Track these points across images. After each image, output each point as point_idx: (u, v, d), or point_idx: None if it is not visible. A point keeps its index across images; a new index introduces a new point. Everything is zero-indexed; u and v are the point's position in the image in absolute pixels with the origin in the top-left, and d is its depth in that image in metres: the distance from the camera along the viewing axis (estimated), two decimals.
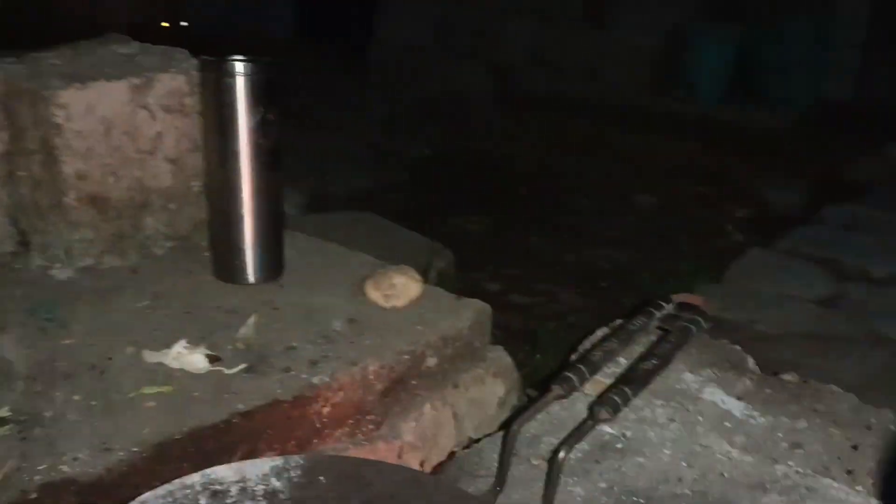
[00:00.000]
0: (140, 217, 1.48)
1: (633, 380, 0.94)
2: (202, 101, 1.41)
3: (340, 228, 2.46)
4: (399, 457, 1.30)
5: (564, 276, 3.10)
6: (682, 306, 1.07)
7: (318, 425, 1.19)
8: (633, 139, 4.65)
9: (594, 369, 0.97)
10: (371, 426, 1.27)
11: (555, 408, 1.13)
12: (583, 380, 0.96)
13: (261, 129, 1.36)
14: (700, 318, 1.05)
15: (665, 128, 4.68)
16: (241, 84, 1.33)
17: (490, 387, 1.45)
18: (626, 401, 0.92)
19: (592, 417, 0.90)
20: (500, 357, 1.49)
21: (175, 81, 1.46)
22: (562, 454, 0.87)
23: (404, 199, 3.79)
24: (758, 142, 4.54)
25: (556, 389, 0.95)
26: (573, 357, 1.07)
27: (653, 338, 1.07)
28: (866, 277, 2.72)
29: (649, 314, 1.06)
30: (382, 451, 1.28)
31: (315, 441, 1.20)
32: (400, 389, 1.31)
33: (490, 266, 3.01)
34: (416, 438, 1.33)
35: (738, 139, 4.56)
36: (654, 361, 0.96)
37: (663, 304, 1.07)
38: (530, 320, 2.65)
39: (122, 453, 1.00)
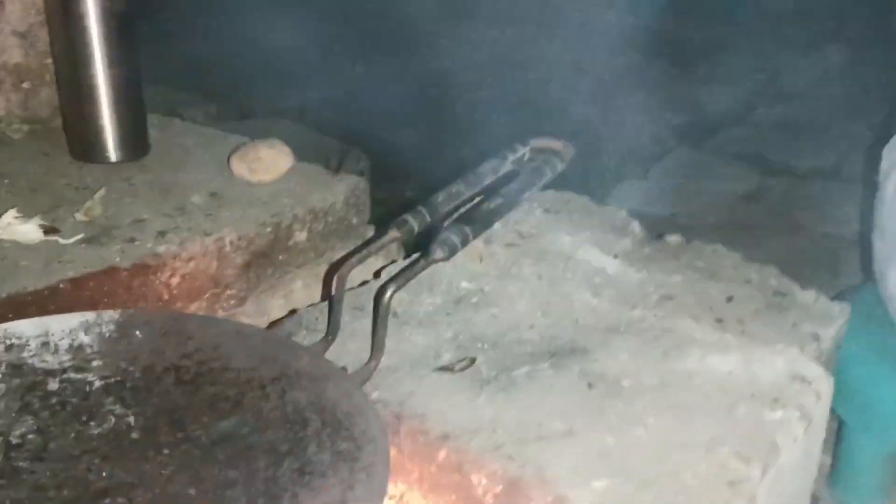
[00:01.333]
0: None
1: (473, 219, 0.87)
2: None
3: (247, 133, 2.35)
4: None
5: None
6: (539, 150, 1.00)
7: (166, 296, 1.11)
8: (574, 51, 4.54)
9: (434, 211, 0.90)
10: (232, 301, 1.20)
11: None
12: (422, 223, 0.89)
13: None
14: (555, 160, 0.98)
15: (606, 39, 4.58)
16: None
17: (371, 266, 1.38)
18: (465, 240, 0.85)
19: (426, 256, 0.83)
20: (394, 255, 1.41)
21: None
22: (388, 293, 0.80)
23: (335, 114, 3.67)
24: (698, 51, 4.46)
25: (392, 232, 0.88)
26: None
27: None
28: (790, 172, 2.68)
29: (502, 157, 0.99)
30: None
31: None
32: (265, 264, 1.23)
33: (413, 174, 2.93)
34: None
35: (680, 49, 4.48)
36: (498, 201, 0.90)
37: (518, 146, 1.00)
38: None
39: None
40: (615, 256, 1.16)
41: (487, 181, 0.97)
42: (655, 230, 1.29)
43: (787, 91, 3.61)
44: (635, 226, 1.29)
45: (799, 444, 0.77)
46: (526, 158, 1.00)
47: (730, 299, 1.09)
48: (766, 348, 0.89)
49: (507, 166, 0.99)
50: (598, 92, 4.10)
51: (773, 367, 0.85)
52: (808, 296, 1.12)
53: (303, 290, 1.29)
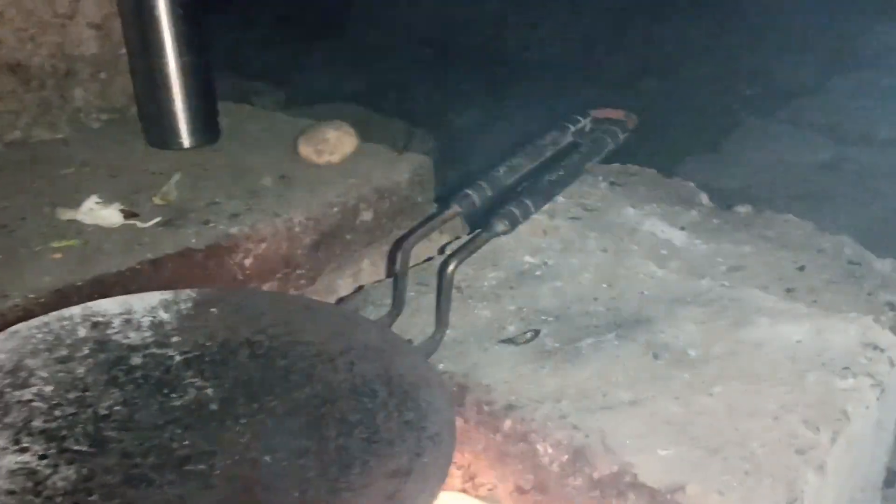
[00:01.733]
0: (67, 87, 1.43)
1: (534, 192, 0.87)
2: None
3: (315, 117, 2.38)
4: None
5: None
6: (600, 121, 0.99)
7: (240, 276, 1.15)
8: (642, 26, 4.46)
9: (495, 185, 0.90)
10: (303, 280, 1.24)
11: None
12: (483, 197, 0.90)
13: None
14: (617, 129, 0.97)
15: (674, 11, 4.48)
16: None
17: (436, 243, 1.40)
18: (526, 213, 0.85)
19: (488, 230, 0.84)
20: (458, 230, 1.43)
21: None
22: (451, 266, 0.81)
23: (399, 98, 3.70)
24: (770, 20, 4.32)
25: (454, 207, 0.89)
26: None
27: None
28: (867, 141, 2.59)
29: (563, 129, 0.98)
30: None
31: None
32: (334, 244, 1.26)
33: (476, 154, 2.93)
34: None
35: (750, 19, 4.35)
36: (559, 173, 0.90)
37: (579, 118, 0.99)
38: None
39: (18, 299, 0.97)
40: (682, 228, 1.15)
41: (548, 153, 0.97)
42: (726, 202, 1.28)
43: (864, 57, 3.48)
44: (703, 197, 1.27)
45: (871, 413, 0.75)
46: (587, 129, 1.00)
47: (801, 269, 1.07)
48: (837, 317, 0.87)
49: (567, 138, 0.99)
50: (667, 64, 4.02)
51: (844, 335, 0.83)
52: (885, 265, 1.09)
53: (370, 268, 1.31)
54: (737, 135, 2.72)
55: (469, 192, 0.90)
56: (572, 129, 0.98)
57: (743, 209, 1.24)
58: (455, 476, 0.81)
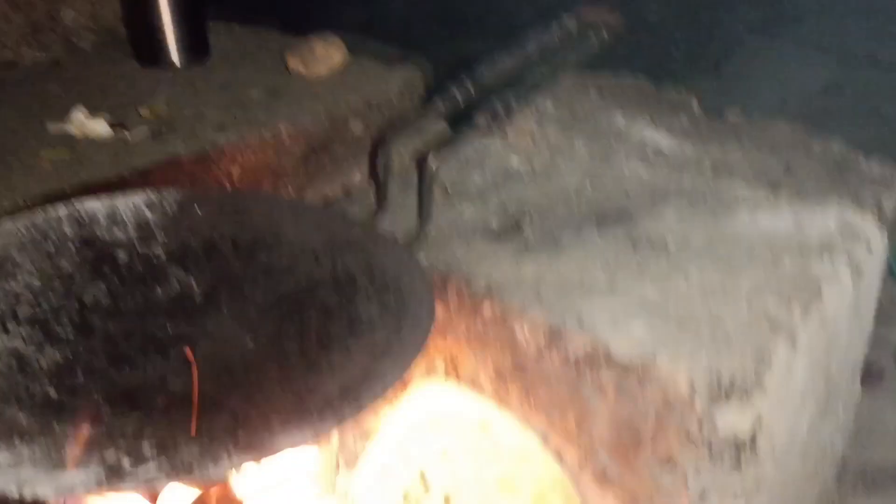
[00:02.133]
0: (57, 8, 1.42)
1: (517, 88, 0.87)
2: None
3: None
4: None
5: None
6: (587, 19, 0.98)
7: (228, 185, 1.16)
8: None
9: (479, 84, 0.90)
10: (292, 190, 1.24)
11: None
12: (467, 95, 0.89)
13: None
14: (603, 30, 0.96)
15: None
16: None
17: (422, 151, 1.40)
18: (508, 107, 0.85)
19: (470, 125, 0.84)
20: (442, 129, 1.43)
21: None
22: (431, 160, 0.81)
23: (402, 28, 3.65)
24: None
25: (438, 104, 0.88)
26: None
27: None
28: (874, 63, 2.55)
29: (548, 27, 0.97)
30: None
31: None
32: (323, 156, 1.26)
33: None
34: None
35: None
36: (542, 70, 0.89)
37: (565, 16, 0.98)
38: None
39: (6, 204, 0.98)
40: (671, 132, 1.15)
41: (533, 53, 0.96)
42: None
43: None
44: (694, 104, 1.27)
45: (846, 294, 0.76)
46: (573, 29, 0.98)
47: (788, 169, 1.07)
48: (819, 206, 0.87)
49: (552, 36, 0.98)
50: None
51: (824, 222, 0.84)
52: (873, 166, 1.09)
53: (361, 180, 1.31)
54: (739, 56, 2.68)
55: (452, 87, 0.89)
56: (557, 27, 0.97)
57: (733, 115, 1.23)
58: (438, 365, 0.83)
